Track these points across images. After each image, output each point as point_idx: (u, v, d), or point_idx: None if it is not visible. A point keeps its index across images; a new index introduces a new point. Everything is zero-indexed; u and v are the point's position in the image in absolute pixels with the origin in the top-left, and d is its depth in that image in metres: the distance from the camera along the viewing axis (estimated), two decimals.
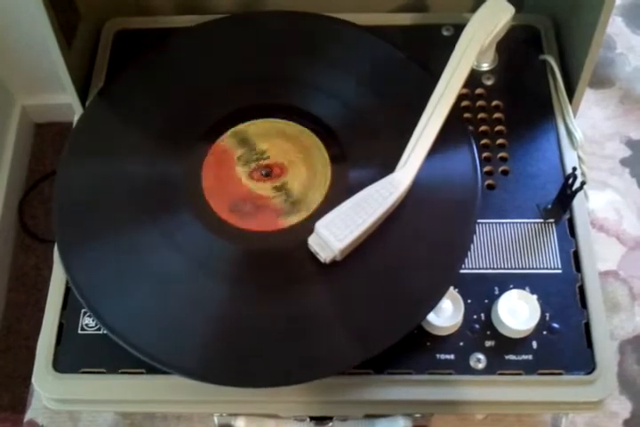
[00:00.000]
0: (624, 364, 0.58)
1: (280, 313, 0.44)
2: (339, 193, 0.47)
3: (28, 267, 1.23)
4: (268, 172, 0.49)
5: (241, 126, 0.51)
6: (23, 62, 1.18)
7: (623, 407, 0.56)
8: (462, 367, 0.44)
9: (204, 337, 0.44)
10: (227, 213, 0.48)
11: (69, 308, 0.47)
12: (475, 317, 0.46)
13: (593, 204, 0.63)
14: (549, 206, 0.49)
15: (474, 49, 0.49)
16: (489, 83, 0.54)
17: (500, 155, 0.51)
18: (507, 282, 0.46)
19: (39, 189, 1.29)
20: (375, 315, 0.44)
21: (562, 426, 0.51)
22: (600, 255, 0.61)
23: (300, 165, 0.49)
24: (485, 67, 0.55)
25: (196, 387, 0.43)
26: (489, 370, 0.44)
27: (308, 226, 0.45)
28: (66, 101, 0.57)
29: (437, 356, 0.45)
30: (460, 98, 0.52)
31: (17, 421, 1.04)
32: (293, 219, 0.47)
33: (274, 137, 0.50)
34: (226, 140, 0.50)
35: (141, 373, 0.45)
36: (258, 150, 0.50)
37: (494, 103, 0.53)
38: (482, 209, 0.47)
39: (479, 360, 0.44)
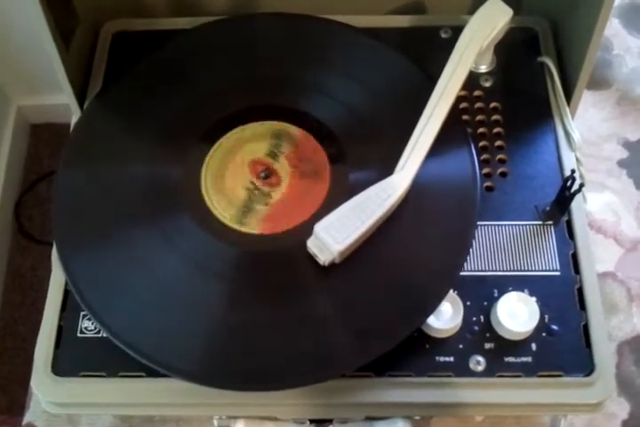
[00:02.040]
0: (622, 365, 0.58)
1: (279, 316, 0.44)
2: (338, 195, 0.47)
3: (24, 268, 1.23)
4: (265, 174, 0.49)
5: (206, 203, 0.49)
6: (19, 63, 1.18)
7: (621, 409, 0.56)
8: (462, 370, 0.44)
9: (203, 340, 0.44)
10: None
11: (68, 311, 0.47)
12: (474, 319, 0.46)
13: (591, 205, 0.63)
14: (548, 208, 0.49)
15: (472, 51, 0.50)
16: (487, 85, 0.54)
17: (499, 157, 0.51)
18: (505, 284, 0.46)
19: (35, 191, 1.29)
20: (374, 318, 0.44)
21: None
22: (598, 257, 0.61)
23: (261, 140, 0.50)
24: (483, 69, 0.55)
25: (195, 390, 0.43)
26: (488, 372, 0.44)
27: (306, 228, 0.45)
28: (62, 102, 0.57)
29: (437, 358, 0.45)
30: (459, 100, 0.52)
31: (15, 424, 1.04)
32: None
33: (223, 170, 0.50)
34: (228, 219, 0.48)
35: (141, 376, 0.45)
36: (241, 193, 0.49)
37: (492, 105, 0.54)
38: (480, 211, 0.47)
39: (478, 362, 0.44)
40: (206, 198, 0.48)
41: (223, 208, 0.48)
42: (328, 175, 0.49)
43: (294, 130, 0.50)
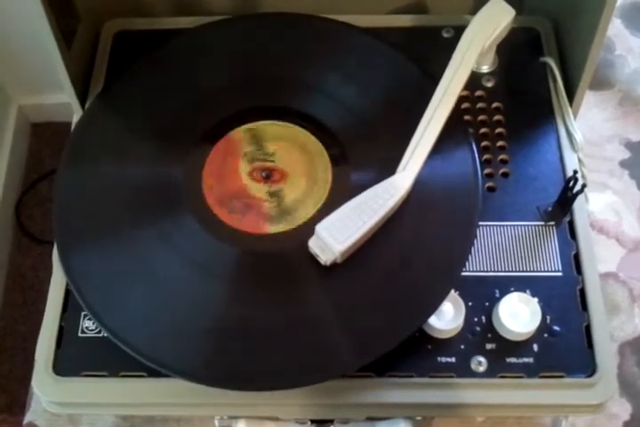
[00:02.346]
0: (624, 366, 0.58)
1: (281, 316, 0.44)
2: (339, 195, 0.47)
3: (24, 268, 1.23)
4: (268, 174, 0.49)
5: (257, 124, 0.51)
6: (20, 62, 1.18)
7: (623, 409, 0.56)
8: (463, 370, 0.44)
9: (204, 340, 0.44)
10: (217, 205, 0.48)
11: (69, 310, 0.47)
12: (476, 319, 0.46)
13: (592, 206, 0.63)
14: (550, 209, 0.49)
15: (474, 51, 0.49)
16: (489, 85, 0.54)
17: (501, 157, 0.51)
18: (507, 285, 0.46)
19: (36, 190, 1.29)
20: (376, 318, 0.44)
21: None
22: (600, 257, 0.61)
23: (301, 177, 0.49)
24: (485, 69, 0.55)
25: (196, 390, 0.43)
26: (490, 373, 0.44)
27: (308, 228, 0.45)
28: (63, 101, 0.57)
29: (438, 359, 0.45)
30: (461, 100, 0.52)
31: (16, 423, 1.04)
32: (277, 227, 0.47)
33: (284, 141, 0.50)
34: (239, 134, 0.50)
35: (142, 376, 0.45)
36: (265, 151, 0.50)
37: (494, 105, 0.53)
38: (482, 211, 0.47)
39: (480, 363, 0.44)
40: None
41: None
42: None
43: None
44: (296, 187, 0.49)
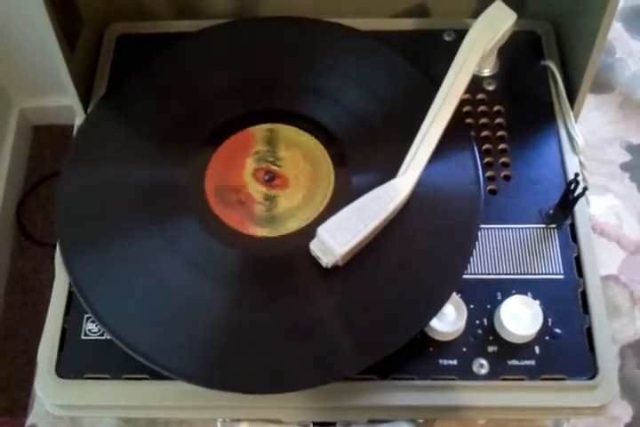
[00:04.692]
0: (625, 368, 0.58)
1: (282, 319, 0.44)
2: (341, 198, 0.47)
3: (26, 270, 1.23)
4: (271, 177, 0.49)
5: (278, 126, 0.51)
6: (21, 65, 1.18)
7: (624, 412, 0.56)
8: (465, 373, 0.44)
9: (207, 343, 0.44)
10: (212, 193, 0.48)
11: (72, 313, 0.47)
12: (477, 322, 0.46)
13: (593, 208, 0.63)
14: (551, 212, 0.49)
15: (476, 55, 0.50)
16: (490, 88, 0.54)
17: (502, 160, 0.51)
18: (509, 287, 0.46)
19: (37, 192, 1.29)
20: (377, 321, 0.44)
21: None
22: (601, 260, 0.61)
23: (300, 190, 0.49)
24: (487, 72, 0.55)
25: (199, 392, 0.43)
26: (492, 375, 0.44)
27: (309, 230, 0.45)
28: (64, 104, 0.57)
29: (440, 361, 0.45)
30: (462, 103, 0.52)
31: (18, 425, 1.04)
32: (259, 231, 0.47)
33: (297, 149, 0.50)
34: (257, 132, 0.51)
35: (145, 378, 0.45)
36: (276, 155, 0.50)
37: (496, 108, 0.54)
38: (484, 214, 0.47)
39: (482, 366, 0.44)
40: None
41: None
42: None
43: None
44: (292, 198, 0.49)
